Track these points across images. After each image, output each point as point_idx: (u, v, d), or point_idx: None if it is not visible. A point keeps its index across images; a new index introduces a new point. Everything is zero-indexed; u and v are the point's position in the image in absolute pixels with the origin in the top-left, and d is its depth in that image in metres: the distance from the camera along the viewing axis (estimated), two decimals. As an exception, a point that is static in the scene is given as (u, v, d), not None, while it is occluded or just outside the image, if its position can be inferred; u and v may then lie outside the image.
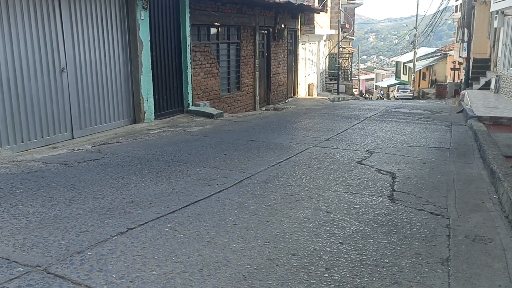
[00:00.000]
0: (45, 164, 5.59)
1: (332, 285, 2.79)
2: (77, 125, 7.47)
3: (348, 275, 2.93)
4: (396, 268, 3.04)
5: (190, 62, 10.38)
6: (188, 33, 10.15)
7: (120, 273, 2.85)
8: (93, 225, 3.61)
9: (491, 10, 16.52)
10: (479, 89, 17.54)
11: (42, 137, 6.83)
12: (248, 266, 3.01)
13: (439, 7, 31.59)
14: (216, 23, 11.62)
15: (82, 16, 7.47)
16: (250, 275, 2.88)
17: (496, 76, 15.63)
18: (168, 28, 9.72)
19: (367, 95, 43.06)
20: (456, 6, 28.95)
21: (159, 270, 2.90)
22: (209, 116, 10.21)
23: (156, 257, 3.08)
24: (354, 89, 30.70)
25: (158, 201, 4.25)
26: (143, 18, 8.68)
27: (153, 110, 9.27)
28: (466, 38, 20.25)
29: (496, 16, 15.47)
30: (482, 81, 18.09)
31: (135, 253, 3.13)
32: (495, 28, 16.90)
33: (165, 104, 9.85)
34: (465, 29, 20.73)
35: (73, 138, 7.35)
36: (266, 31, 15.08)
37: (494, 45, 18.02)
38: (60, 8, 7.00)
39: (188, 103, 10.46)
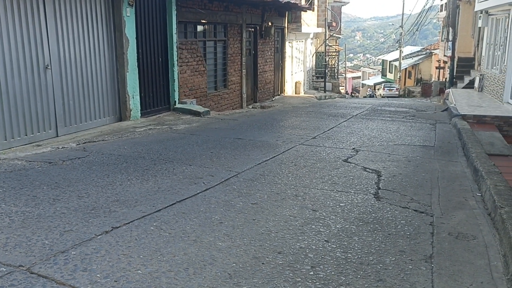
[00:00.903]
0: (28, 163, 5.52)
1: (318, 283, 2.80)
2: (62, 122, 7.38)
3: (333, 272, 2.95)
4: (381, 265, 3.07)
5: (177, 60, 10.32)
6: (174, 31, 10.09)
7: (104, 272, 2.83)
8: (77, 224, 3.58)
9: (475, 10, 16.73)
10: (463, 87, 17.77)
11: (26, 135, 6.74)
12: (234, 264, 3.01)
13: (424, 6, 31.91)
14: (203, 21, 11.57)
15: (66, 12, 7.37)
16: (236, 274, 2.88)
17: (480, 75, 15.84)
18: (154, 25, 9.65)
19: (354, 93, 43.31)
20: (441, 6, 29.25)
21: (144, 269, 2.89)
22: (196, 114, 10.17)
23: (141, 256, 3.07)
24: (341, 87, 30.84)
25: (144, 199, 4.23)
26: (129, 15, 8.60)
27: (139, 108, 9.20)
28: (450, 37, 20.48)
29: (480, 16, 15.67)
30: (466, 79, 18.33)
31: (120, 252, 3.11)
32: (479, 28, 17.12)
33: (152, 102, 9.78)
34: (450, 28, 20.96)
35: (57, 136, 7.26)
36: (253, 29, 15.07)
37: (478, 44, 18.25)
38: (44, 4, 6.90)
39: (175, 101, 10.41)
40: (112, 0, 8.37)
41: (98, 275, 2.79)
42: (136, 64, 8.97)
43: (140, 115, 9.22)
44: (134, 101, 8.98)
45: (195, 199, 4.30)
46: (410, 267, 3.07)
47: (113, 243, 3.25)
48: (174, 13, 10.04)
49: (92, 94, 8.06)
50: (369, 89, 46.37)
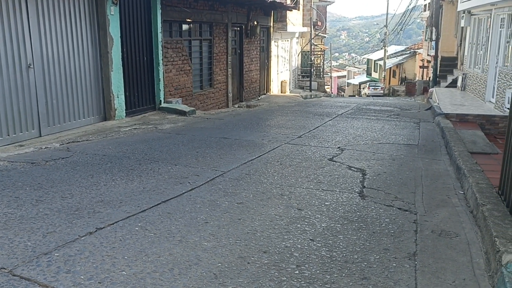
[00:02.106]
0: (10, 163, 5.43)
1: (303, 282, 2.82)
2: (45, 122, 7.28)
3: (318, 271, 2.96)
4: (365, 263, 3.10)
5: (162, 59, 10.26)
6: (159, 30, 10.03)
7: (88, 274, 2.80)
8: (60, 226, 3.54)
9: (458, 10, 16.94)
10: (447, 86, 17.99)
11: (8, 135, 6.63)
12: (219, 264, 3.01)
13: (408, 6, 32.23)
14: (188, 20, 11.52)
15: (49, 10, 7.27)
16: (221, 274, 2.88)
17: (463, 74, 16.06)
18: (139, 24, 9.58)
19: (339, 92, 43.52)
20: (425, 5, 29.58)
21: (129, 270, 2.87)
22: (181, 113, 10.13)
23: (126, 257, 3.04)
24: (326, 87, 31.00)
25: (129, 200, 4.20)
26: (113, 14, 8.52)
27: (124, 107, 9.13)
28: (434, 37, 20.72)
29: (463, 16, 15.88)
30: (449, 79, 18.56)
31: (104, 253, 3.08)
32: (462, 27, 17.35)
33: (137, 101, 9.71)
34: (433, 28, 21.21)
35: (40, 136, 7.16)
36: (238, 28, 15.06)
37: (461, 44, 18.50)
38: (26, 1, 6.80)
39: (160, 100, 10.35)
40: (95, -1, 8.29)
41: (82, 277, 2.76)
42: (121, 63, 8.89)
43: (125, 114, 9.14)
44: (119, 101, 8.90)
45: (180, 199, 4.28)
46: (394, 265, 3.10)
47: (97, 244, 3.22)
48: (159, 11, 9.98)
49: (76, 94, 7.97)
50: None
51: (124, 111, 9.13)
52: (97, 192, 4.41)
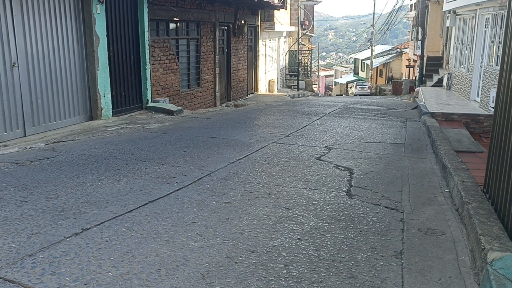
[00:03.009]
0: (-6, 163, 5.35)
1: (290, 281, 2.82)
2: (30, 122, 7.19)
3: (306, 270, 2.97)
4: (353, 262, 3.11)
5: (149, 58, 10.20)
6: (146, 28, 9.96)
7: (74, 275, 2.77)
8: (45, 227, 3.49)
9: (443, 10, 17.12)
10: (432, 86, 18.18)
11: (-8, 135, 6.53)
12: (207, 264, 2.99)
13: (394, 6, 32.47)
14: (176, 18, 11.46)
15: (34, 8, 7.17)
16: (209, 274, 2.87)
17: (448, 73, 16.23)
18: (125, 23, 9.50)
19: (327, 92, 43.64)
20: (411, 5, 29.83)
21: (115, 271, 2.84)
22: (169, 112, 10.08)
23: (112, 258, 3.01)
24: (314, 86, 31.09)
25: (115, 200, 4.16)
26: (99, 12, 8.44)
27: (111, 107, 9.05)
28: (420, 37, 20.91)
29: (448, 16, 16.05)
30: (435, 78, 18.76)
31: (90, 255, 3.05)
32: (447, 27, 17.54)
33: (123, 101, 9.64)
34: (419, 27, 21.39)
35: (25, 136, 7.07)
36: (226, 27, 15.02)
37: (446, 43, 18.70)
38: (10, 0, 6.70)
39: (147, 100, 10.28)
40: (81, -3, 8.20)
41: (67, 279, 2.73)
42: (107, 62, 8.81)
43: (111, 114, 9.07)
44: (105, 100, 8.82)
45: (167, 198, 4.26)
46: (381, 263, 3.12)
47: (83, 245, 3.19)
48: (146, 10, 9.91)
49: (61, 93, 7.88)
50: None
51: (111, 111, 9.05)
52: (83, 192, 4.36)
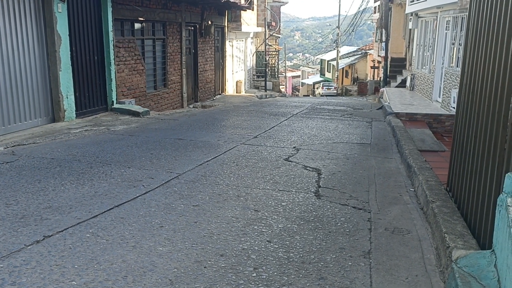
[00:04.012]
0: (-51, 169, 5.10)
1: (260, 285, 2.80)
2: (-13, 125, 6.90)
3: (275, 273, 2.95)
4: (322, 263, 3.12)
5: (114, 58, 9.98)
6: (110, 28, 9.74)
7: (35, 285, 2.66)
8: (5, 235, 3.35)
9: (406, 12, 17.53)
10: (396, 86, 18.59)
11: None
12: (175, 269, 2.94)
13: (359, 8, 33.05)
14: (141, 18, 11.27)
15: (-10, 7, 6.89)
16: (177, 279, 2.81)
17: (411, 74, 16.64)
18: (89, 23, 9.26)
19: (294, 92, 43.96)
20: (375, 8, 30.43)
21: (79, 280, 2.74)
22: (135, 114, 9.89)
23: (76, 266, 2.91)
24: (281, 86, 31.26)
25: (79, 205, 4.04)
26: (60, 11, 8.19)
27: (74, 108, 8.80)
28: (384, 38, 21.37)
29: (411, 18, 16.46)
30: (399, 79, 19.20)
31: (52, 263, 2.94)
32: (410, 29, 17.98)
33: (88, 102, 9.39)
34: (383, 29, 21.86)
35: (-18, 139, 6.78)
36: (192, 28, 14.90)
37: (409, 45, 19.16)
38: (-36, -2, 6.41)
39: (113, 101, 10.06)
40: (41, -5, 7.93)
41: (28, 289, 2.61)
42: (70, 63, 8.56)
43: (75, 115, 8.82)
44: (68, 101, 8.57)
45: (134, 203, 4.16)
46: (350, 263, 3.14)
47: (44, 253, 3.07)
48: (109, 10, 9.69)
49: (21, 94, 7.59)
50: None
51: (74, 112, 8.80)
52: (45, 197, 4.21)
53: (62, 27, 8.26)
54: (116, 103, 10.16)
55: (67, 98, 8.53)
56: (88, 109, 9.38)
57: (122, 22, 10.57)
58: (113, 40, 9.89)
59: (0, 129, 7.15)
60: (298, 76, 60.96)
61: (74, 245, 3.21)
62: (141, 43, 11.55)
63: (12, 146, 6.39)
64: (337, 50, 39.24)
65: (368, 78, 33.78)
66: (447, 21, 12.26)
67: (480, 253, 2.69)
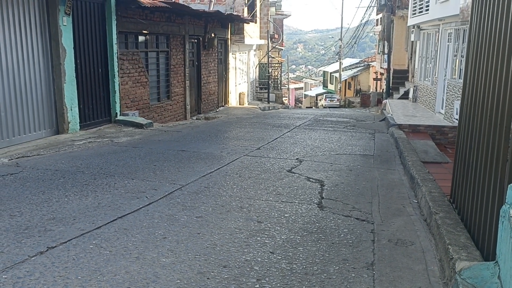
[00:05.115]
0: (-46, 180, 5.13)
1: (263, 296, 2.79)
2: (-8, 136, 6.94)
3: (278, 284, 2.95)
4: (325, 275, 3.11)
5: (118, 71, 10.06)
6: (115, 41, 9.84)
7: (39, 296, 2.66)
8: (8, 246, 3.36)
9: (408, 25, 17.65)
10: (399, 98, 18.63)
11: (-49, 151, 6.27)
12: (178, 281, 2.94)
13: (361, 21, 33.24)
14: (145, 31, 11.39)
15: (-3, 21, 6.98)
16: (180, 291, 2.81)
17: (414, 86, 16.68)
18: (93, 35, 9.36)
19: (297, 104, 44.04)
20: (377, 20, 30.63)
21: (82, 291, 2.75)
22: (138, 126, 9.94)
23: (79, 277, 2.92)
24: (284, 98, 31.37)
25: (83, 216, 4.05)
26: (65, 24, 8.29)
27: (78, 120, 8.86)
28: (386, 50, 21.46)
29: (413, 30, 16.55)
30: (402, 91, 19.25)
31: (56, 274, 2.94)
32: (412, 42, 18.07)
33: (91, 114, 9.45)
34: (385, 42, 21.97)
35: (-13, 151, 6.82)
36: (196, 40, 15.02)
37: (411, 57, 19.25)
38: (-29, 11, 6.51)
39: (116, 113, 10.12)
40: (47, 9, 8.04)
41: (32, 300, 2.62)
42: (75, 75, 8.64)
43: (79, 127, 8.87)
44: (72, 113, 8.63)
45: (137, 214, 4.17)
46: (353, 275, 3.13)
47: (48, 265, 3.08)
48: (114, 23, 9.80)
49: (26, 106, 7.66)
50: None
51: (78, 124, 8.86)
52: (49, 209, 4.23)
53: (67, 40, 8.35)
54: (120, 115, 10.22)
55: (71, 110, 8.59)
56: (92, 121, 9.43)
57: (126, 35, 10.68)
58: (117, 53, 9.98)
59: (5, 141, 7.20)
60: (301, 88, 61.15)
61: (77, 256, 3.22)
62: (145, 55, 11.65)
63: (17, 158, 6.43)
64: (340, 62, 39.40)
65: (371, 90, 33.85)
66: (449, 33, 12.32)
67: (484, 265, 2.69)
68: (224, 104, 18.47)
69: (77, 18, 8.77)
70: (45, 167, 5.86)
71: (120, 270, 3.04)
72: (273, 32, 27.37)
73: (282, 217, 4.25)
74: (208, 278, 2.99)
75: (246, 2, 20.04)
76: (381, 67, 25.91)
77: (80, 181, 5.24)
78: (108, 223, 3.91)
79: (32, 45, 7.76)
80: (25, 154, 6.72)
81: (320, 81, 57.48)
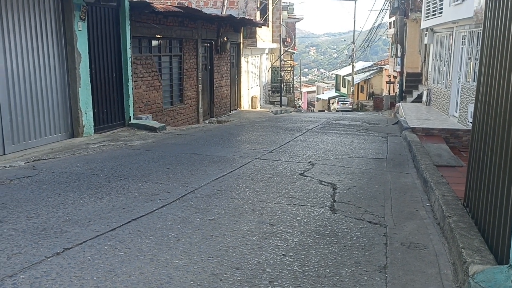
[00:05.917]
0: (-27, 183, 5.24)
1: (276, 298, 2.81)
2: (9, 140, 7.07)
3: (291, 286, 2.96)
4: (337, 277, 3.12)
5: (131, 75, 10.18)
6: (128, 45, 9.96)
7: (55, 296, 2.72)
8: (26, 247, 3.43)
9: (421, 27, 17.54)
10: (412, 101, 18.51)
11: (-30, 154, 6.41)
12: (192, 282, 2.97)
13: (374, 24, 33.12)
14: (158, 36, 11.50)
15: (14, 25, 7.12)
16: (194, 292, 2.84)
17: (427, 89, 16.56)
18: (108, 40, 9.49)
19: (310, 107, 43.97)
20: (390, 23, 30.48)
21: (98, 291, 2.79)
22: (152, 129, 10.03)
23: (94, 278, 2.97)
24: (300, 101, 31.35)
25: (98, 218, 4.11)
26: (80, 29, 8.42)
27: (93, 124, 8.98)
28: (399, 53, 21.35)
29: (426, 33, 16.45)
30: (415, 94, 19.12)
31: (72, 275, 3.00)
32: (426, 44, 17.96)
33: (106, 118, 9.57)
34: (398, 45, 21.86)
35: (4, 154, 6.94)
36: (208, 44, 15.12)
37: (425, 60, 19.12)
38: (-10, 17, 6.65)
39: (130, 117, 10.23)
40: (62, 14, 8.18)
41: (49, 300, 2.67)
42: (89, 79, 8.77)
43: (93, 131, 8.99)
44: (87, 117, 8.75)
45: (151, 216, 4.22)
46: (365, 278, 3.13)
47: (64, 265, 3.13)
48: (128, 27, 9.92)
49: (42, 110, 7.79)
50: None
51: (93, 128, 8.98)
52: (65, 211, 4.30)
53: (82, 45, 8.48)
54: (134, 118, 10.33)
55: (86, 114, 8.71)
56: (106, 125, 9.55)
57: (140, 39, 10.80)
58: (131, 57, 10.10)
59: (21, 144, 7.33)
60: (314, 92, 61.05)
61: (93, 257, 3.28)
62: (158, 59, 11.76)
63: (33, 161, 6.54)
64: (352, 66, 39.28)
65: (384, 93, 33.65)
66: (463, 36, 12.23)
67: (497, 268, 2.67)
68: (237, 108, 18.54)
69: (92, 23, 8.90)
70: (60, 170, 5.95)
71: (134, 271, 3.08)
72: (285, 36, 27.41)
73: (294, 220, 4.27)
74: (221, 280, 3.01)
75: (259, 6, 20.10)
76: (394, 70, 25.76)
77: (95, 183, 5.31)
78: (122, 225, 3.96)
79: (48, 51, 7.90)
80: (41, 157, 6.83)
81: (333, 84, 57.33)
